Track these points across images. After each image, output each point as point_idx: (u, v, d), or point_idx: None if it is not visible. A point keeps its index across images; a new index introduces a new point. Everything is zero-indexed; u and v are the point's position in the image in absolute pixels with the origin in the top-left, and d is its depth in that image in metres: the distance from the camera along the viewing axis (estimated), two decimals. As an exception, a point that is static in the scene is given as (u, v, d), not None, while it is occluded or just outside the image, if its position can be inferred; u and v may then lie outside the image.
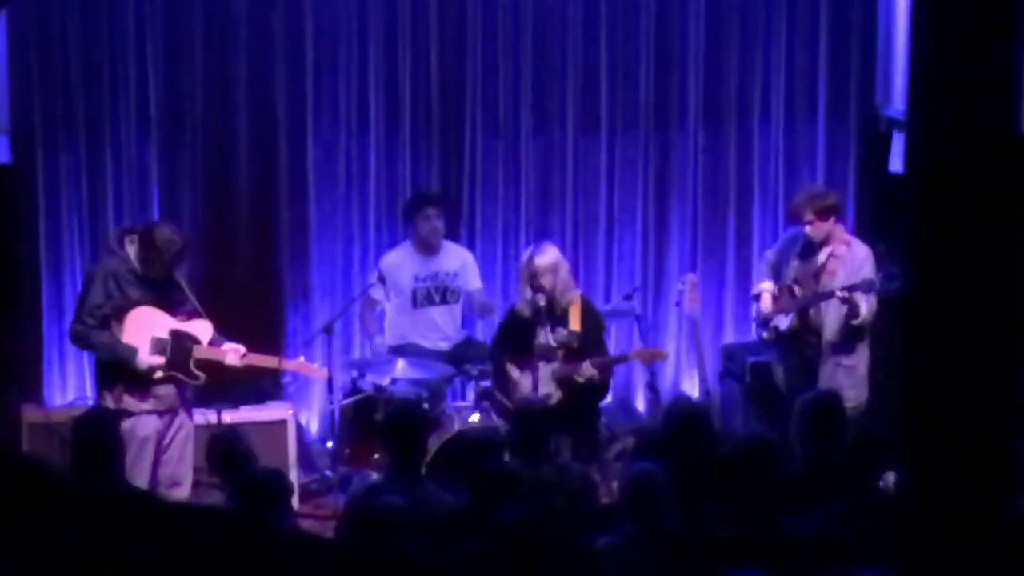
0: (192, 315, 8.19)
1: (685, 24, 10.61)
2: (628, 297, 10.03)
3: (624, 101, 10.65)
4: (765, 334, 9.31)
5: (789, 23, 10.69)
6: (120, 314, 7.99)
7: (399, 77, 10.35)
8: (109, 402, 7.97)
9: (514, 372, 8.87)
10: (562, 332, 8.77)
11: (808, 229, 8.93)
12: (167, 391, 8.09)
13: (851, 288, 8.73)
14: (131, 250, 8.03)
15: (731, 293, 10.87)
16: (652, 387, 9.68)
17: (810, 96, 10.81)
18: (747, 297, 10.38)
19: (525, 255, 8.96)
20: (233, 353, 8.23)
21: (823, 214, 8.90)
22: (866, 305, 8.77)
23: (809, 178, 10.69)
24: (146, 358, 7.96)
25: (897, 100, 10.30)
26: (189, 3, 10.03)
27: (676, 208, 10.82)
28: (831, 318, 8.93)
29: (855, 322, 8.80)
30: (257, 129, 10.26)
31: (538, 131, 10.61)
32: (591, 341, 8.87)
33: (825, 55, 10.72)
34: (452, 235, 10.09)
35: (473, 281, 9.82)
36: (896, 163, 10.28)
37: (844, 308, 8.77)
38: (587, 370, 8.71)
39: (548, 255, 8.79)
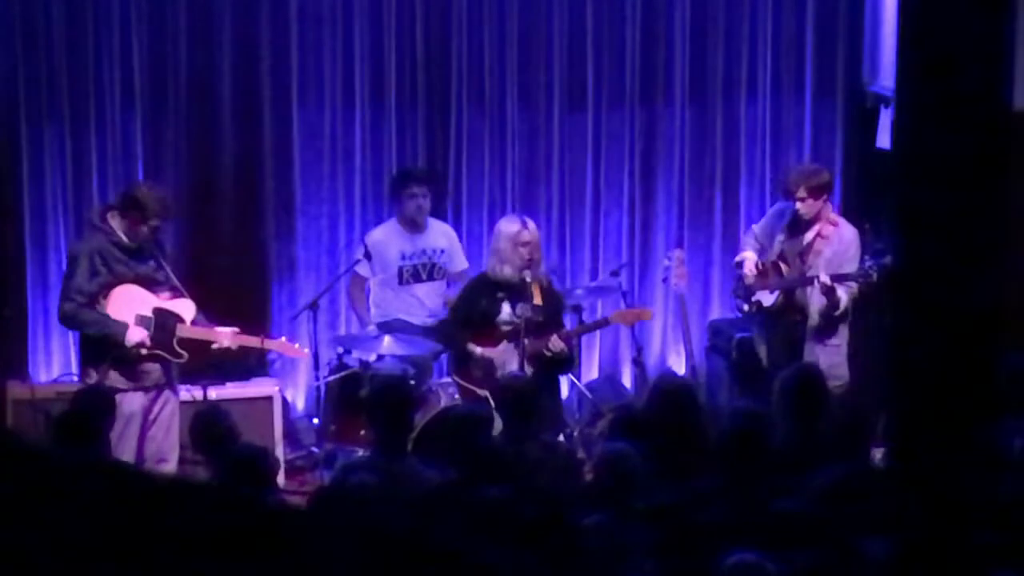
0: (175, 294, 8.17)
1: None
2: (615, 273, 10.02)
3: (610, 76, 10.63)
4: (746, 307, 9.33)
5: (776, -1, 10.68)
6: (106, 291, 7.97)
7: (384, 52, 10.32)
8: (93, 378, 7.96)
9: (477, 350, 8.87)
10: (526, 308, 8.77)
11: (799, 206, 8.94)
12: (152, 368, 8.08)
13: (841, 278, 8.74)
14: (115, 223, 8.01)
15: (718, 269, 10.86)
16: (638, 363, 9.69)
17: (797, 72, 10.79)
18: (733, 273, 10.37)
19: (514, 226, 8.90)
20: (228, 334, 8.24)
21: (816, 192, 8.92)
22: (847, 295, 8.79)
23: (796, 154, 10.70)
24: (135, 334, 7.95)
25: (884, 76, 10.29)
26: (173, -22, 9.99)
27: (662, 184, 10.81)
28: (814, 303, 8.96)
29: (835, 314, 8.84)
30: (242, 103, 10.23)
31: (524, 106, 10.58)
32: (552, 316, 8.97)
33: (812, 31, 10.71)
34: (438, 211, 10.06)
35: (459, 261, 9.81)
36: (883, 139, 10.28)
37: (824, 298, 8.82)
38: (556, 343, 8.74)
39: (533, 227, 8.84)
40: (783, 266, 9.12)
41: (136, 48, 9.99)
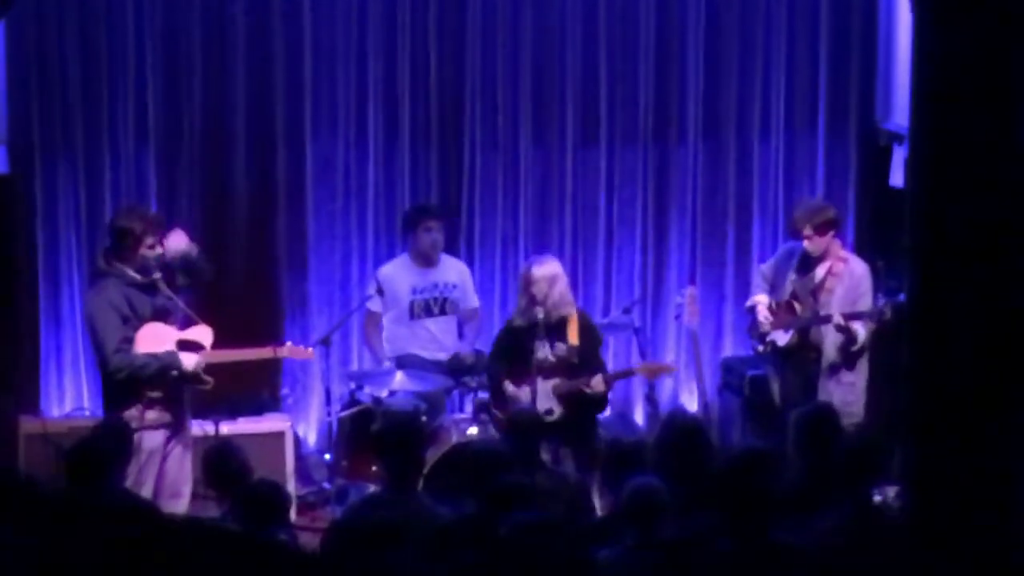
0: (187, 322, 8.19)
1: (684, 36, 10.60)
2: (627, 310, 10.01)
3: (623, 114, 10.65)
4: (761, 348, 9.34)
5: (789, 36, 10.68)
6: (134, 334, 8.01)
7: (398, 89, 10.35)
8: (136, 420, 7.93)
9: (510, 388, 8.87)
10: (561, 347, 8.80)
11: (806, 244, 8.96)
12: (176, 403, 8.12)
13: (854, 316, 8.76)
14: (121, 264, 7.97)
15: (730, 306, 10.85)
16: (651, 400, 9.68)
17: (810, 109, 10.79)
18: (746, 313, 10.39)
19: (524, 267, 8.99)
20: (247, 351, 8.41)
21: (821, 229, 8.93)
22: (864, 329, 8.81)
23: (809, 192, 10.68)
24: (188, 360, 7.99)
25: (897, 114, 10.29)
26: (187, 15, 10.04)
27: (675, 221, 10.81)
28: (830, 341, 8.97)
29: (854, 348, 8.85)
30: (255, 139, 10.27)
31: (537, 143, 10.60)
32: (590, 356, 8.91)
33: (825, 68, 10.71)
34: (451, 247, 10.07)
35: (471, 298, 9.83)
36: (896, 177, 10.27)
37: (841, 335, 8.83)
38: (598, 384, 8.74)
39: (546, 267, 8.82)
40: (796, 305, 9.12)
41: (151, 84, 10.04)
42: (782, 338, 9.18)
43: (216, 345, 8.23)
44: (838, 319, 8.76)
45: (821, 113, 10.79)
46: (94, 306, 8.00)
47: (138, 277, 7.95)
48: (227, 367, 8.31)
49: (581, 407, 8.86)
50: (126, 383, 7.91)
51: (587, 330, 8.97)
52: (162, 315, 8.07)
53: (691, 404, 10.45)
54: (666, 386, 10.74)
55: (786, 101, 10.77)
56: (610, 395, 10.64)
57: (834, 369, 8.98)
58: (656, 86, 10.64)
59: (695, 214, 10.82)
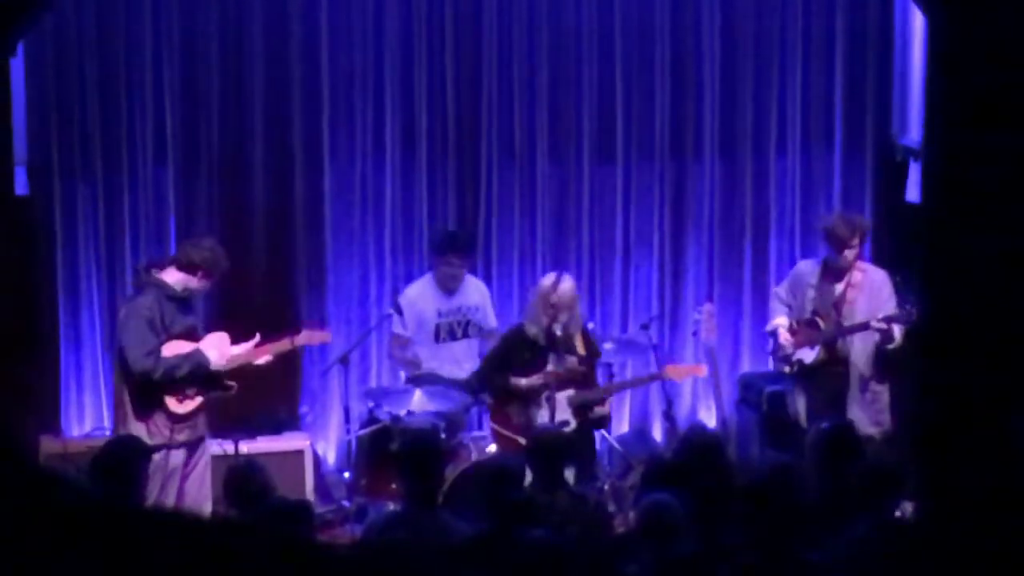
0: (201, 330, 8.36)
1: (700, 54, 10.63)
2: (645, 327, 9.99)
3: (640, 130, 10.68)
4: (787, 368, 9.37)
5: (804, 53, 10.70)
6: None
7: (415, 106, 10.39)
8: (143, 433, 8.01)
9: (522, 381, 8.96)
10: (572, 360, 8.89)
11: (847, 254, 9.07)
12: (200, 419, 8.22)
13: (887, 320, 8.83)
14: (167, 276, 8.13)
15: (748, 322, 10.86)
16: (669, 416, 9.68)
17: (826, 125, 10.81)
18: (764, 326, 10.43)
19: (547, 282, 9.02)
20: (264, 349, 8.50)
21: (864, 239, 9.14)
22: (899, 330, 8.89)
23: (826, 208, 10.67)
24: (215, 356, 8.12)
25: (913, 129, 10.31)
26: (205, 34, 10.09)
27: (692, 238, 10.83)
28: (859, 348, 9.02)
29: (891, 346, 8.90)
30: (273, 158, 10.31)
31: (554, 160, 10.64)
32: (591, 368, 9.16)
33: (841, 84, 10.73)
34: (468, 265, 10.09)
35: (491, 319, 9.89)
36: (913, 192, 10.28)
37: (875, 336, 8.89)
38: (602, 409, 9.09)
39: (572, 286, 8.97)
40: (819, 320, 9.17)
41: (169, 107, 10.10)
42: (808, 355, 9.23)
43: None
44: (876, 323, 8.84)
45: (837, 129, 10.81)
46: (130, 312, 8.22)
47: (177, 290, 8.12)
48: (247, 381, 8.40)
49: (590, 419, 9.06)
50: (154, 392, 8.01)
51: (590, 343, 9.20)
52: (190, 333, 8.20)
53: (709, 420, 10.46)
54: (684, 402, 10.76)
55: (802, 117, 10.79)
56: (628, 412, 10.75)
57: (864, 381, 9.05)
58: (672, 102, 10.67)
59: (712, 230, 10.84)
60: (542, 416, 8.83)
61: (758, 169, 10.80)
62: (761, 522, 5.82)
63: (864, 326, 8.95)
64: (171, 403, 8.11)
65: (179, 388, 8.12)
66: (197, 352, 8.16)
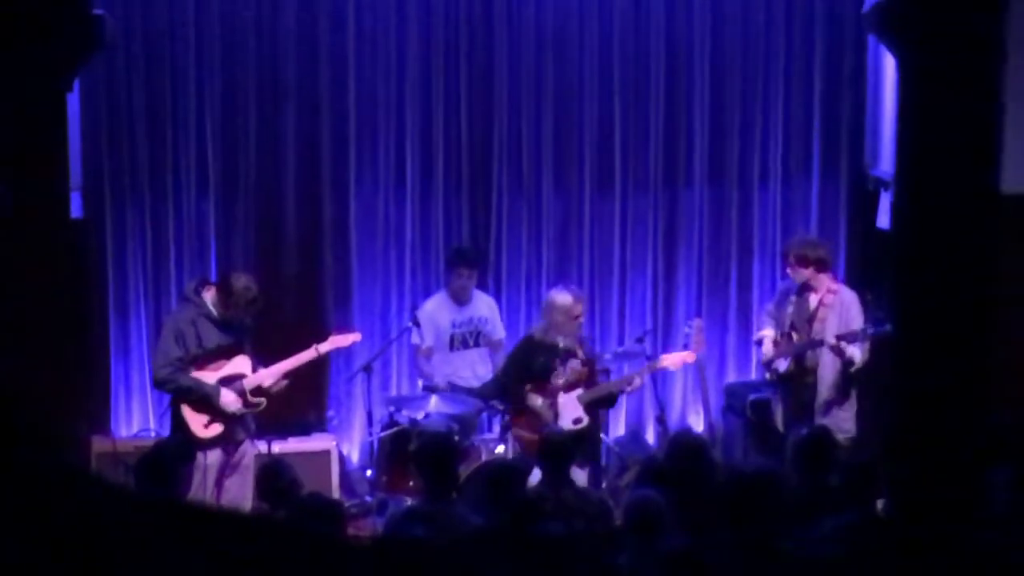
0: (235, 353, 8.35)
1: (691, 93, 10.68)
2: (640, 340, 10.04)
3: (636, 163, 10.72)
4: (768, 375, 9.46)
5: (785, 92, 10.74)
6: (193, 361, 8.10)
7: (433, 142, 10.46)
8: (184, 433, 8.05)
9: (536, 400, 8.99)
10: (577, 363, 9.01)
11: (789, 271, 9.24)
12: (236, 425, 8.23)
13: (842, 338, 8.85)
14: (208, 297, 8.17)
15: (733, 337, 10.89)
16: (661, 421, 9.71)
17: (804, 158, 10.84)
18: (747, 339, 10.49)
19: (568, 299, 9.05)
20: (288, 364, 8.48)
21: (802, 261, 9.19)
22: (860, 353, 8.90)
23: (803, 233, 10.69)
24: (228, 399, 8.08)
25: (884, 161, 10.33)
26: (244, 72, 10.15)
27: (683, 260, 10.86)
28: (828, 362, 9.04)
29: (852, 369, 8.93)
30: (304, 188, 10.37)
31: (558, 190, 10.69)
32: (592, 368, 9.32)
33: (819, 120, 10.76)
34: (480, 282, 10.15)
35: (499, 330, 9.95)
36: (883, 219, 10.30)
37: (839, 360, 8.93)
38: (637, 382, 9.31)
39: (584, 300, 9.32)
40: (794, 334, 9.23)
41: (210, 141, 10.16)
42: (782, 365, 9.29)
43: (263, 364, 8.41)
44: (831, 340, 8.88)
45: (815, 161, 10.83)
46: (166, 323, 8.36)
47: (213, 312, 8.17)
48: (279, 392, 8.44)
49: (597, 418, 9.22)
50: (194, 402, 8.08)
51: (586, 346, 9.38)
52: (226, 351, 8.21)
53: (697, 425, 10.48)
54: (675, 409, 10.78)
55: (783, 150, 10.82)
56: (623, 416, 10.79)
57: (831, 391, 9.07)
58: (665, 138, 10.71)
59: (701, 253, 10.87)
60: (571, 414, 9.00)
61: (743, 198, 10.84)
62: (744, 518, 5.83)
63: (820, 343, 9.01)
64: (195, 425, 8.11)
65: (197, 409, 8.12)
66: (215, 388, 8.13)
